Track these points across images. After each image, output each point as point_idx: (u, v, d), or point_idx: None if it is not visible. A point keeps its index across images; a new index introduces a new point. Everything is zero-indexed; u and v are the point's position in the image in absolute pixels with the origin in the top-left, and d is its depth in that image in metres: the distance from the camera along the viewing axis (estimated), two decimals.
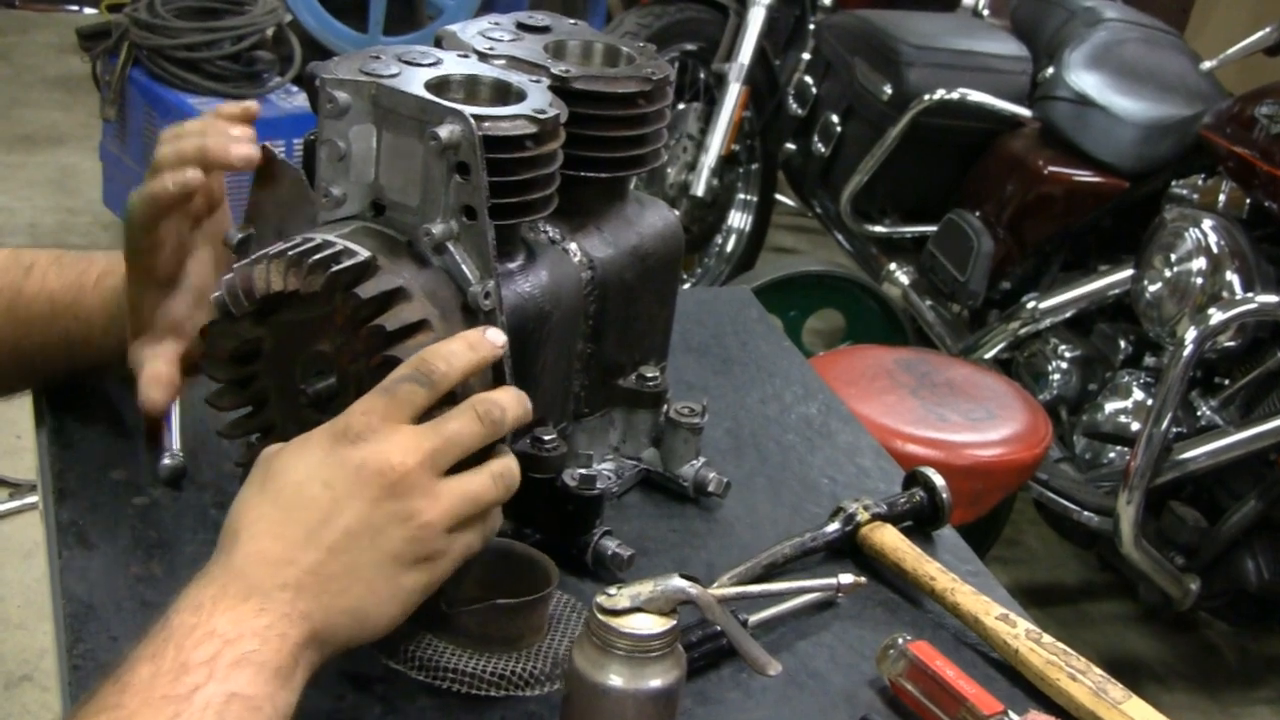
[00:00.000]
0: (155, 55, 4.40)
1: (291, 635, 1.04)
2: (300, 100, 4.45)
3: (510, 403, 1.14)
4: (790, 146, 4.60)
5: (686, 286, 4.58)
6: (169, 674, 1.00)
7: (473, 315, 1.19)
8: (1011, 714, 1.21)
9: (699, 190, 4.38)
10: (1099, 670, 1.30)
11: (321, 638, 1.07)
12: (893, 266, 4.16)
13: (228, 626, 1.02)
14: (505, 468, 1.14)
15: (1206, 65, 3.81)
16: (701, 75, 4.62)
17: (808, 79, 4.55)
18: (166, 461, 1.41)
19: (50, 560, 1.32)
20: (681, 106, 4.60)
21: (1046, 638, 1.33)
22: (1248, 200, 3.32)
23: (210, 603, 1.04)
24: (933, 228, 4.05)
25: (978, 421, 2.98)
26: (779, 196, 5.00)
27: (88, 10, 6.53)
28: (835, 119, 4.35)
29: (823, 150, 4.39)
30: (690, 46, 4.55)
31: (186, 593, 1.05)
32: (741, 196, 4.89)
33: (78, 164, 5.23)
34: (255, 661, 1.02)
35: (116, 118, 4.62)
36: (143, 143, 4.53)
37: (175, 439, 1.44)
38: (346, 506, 1.07)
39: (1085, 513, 3.36)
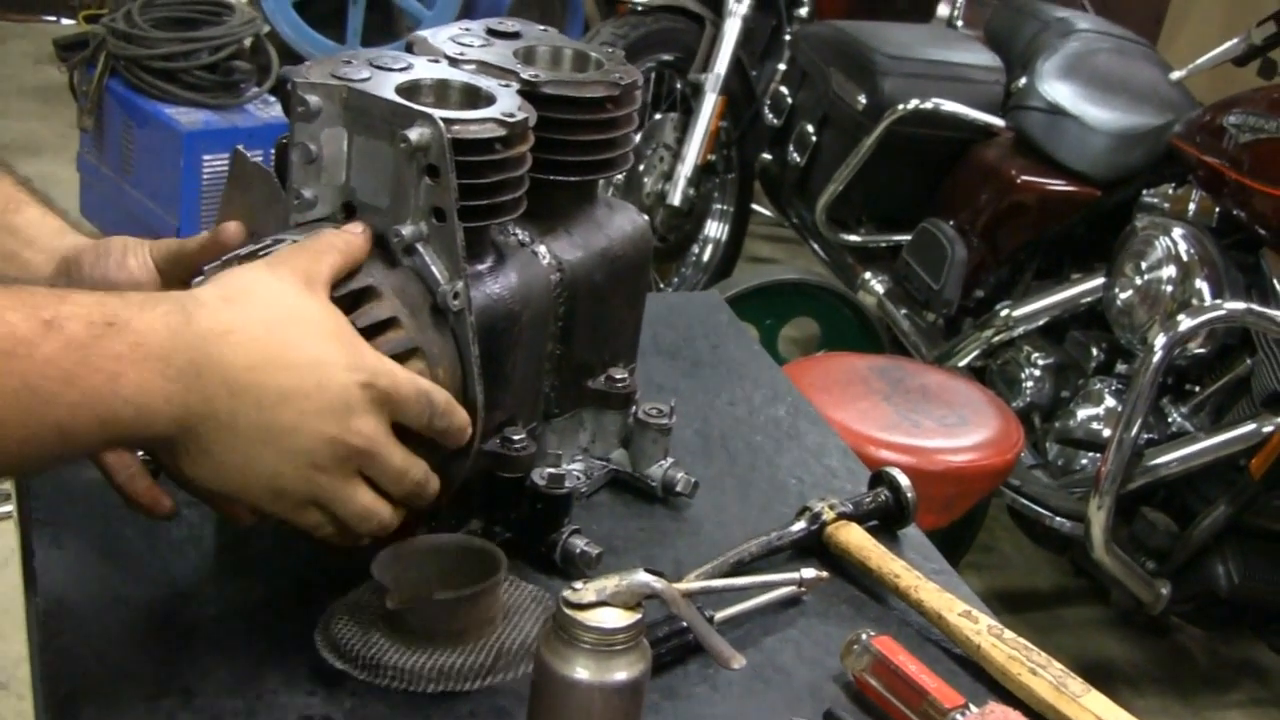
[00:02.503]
0: (133, 65, 4.41)
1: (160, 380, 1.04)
2: (277, 110, 4.46)
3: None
4: (766, 156, 4.63)
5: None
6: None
7: (442, 315, 1.21)
8: (972, 707, 1.23)
9: (675, 200, 4.41)
10: (1059, 665, 1.32)
11: (180, 420, 1.07)
12: (868, 275, 4.19)
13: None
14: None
15: (1176, 75, 3.85)
16: (678, 85, 4.65)
17: (784, 89, 4.58)
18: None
19: (23, 559, 1.33)
20: (658, 116, 4.63)
21: (1008, 633, 1.35)
22: (1217, 209, 3.36)
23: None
24: (907, 236, 4.08)
25: (950, 427, 3.01)
26: (755, 206, 5.03)
27: (65, 20, 6.53)
28: (811, 129, 4.37)
29: (798, 160, 4.42)
30: (667, 57, 4.58)
31: None
32: (718, 206, 4.92)
33: (55, 174, 5.23)
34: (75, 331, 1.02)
35: (94, 128, 4.63)
36: (120, 153, 4.54)
37: None
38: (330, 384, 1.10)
39: (1057, 518, 3.39)
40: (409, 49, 1.40)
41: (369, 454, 1.13)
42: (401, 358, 1.16)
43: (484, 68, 1.37)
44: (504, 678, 1.20)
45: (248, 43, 4.52)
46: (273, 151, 1.32)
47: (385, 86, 1.24)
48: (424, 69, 1.32)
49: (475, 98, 1.30)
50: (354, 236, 1.20)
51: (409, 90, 1.26)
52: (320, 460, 1.11)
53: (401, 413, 1.14)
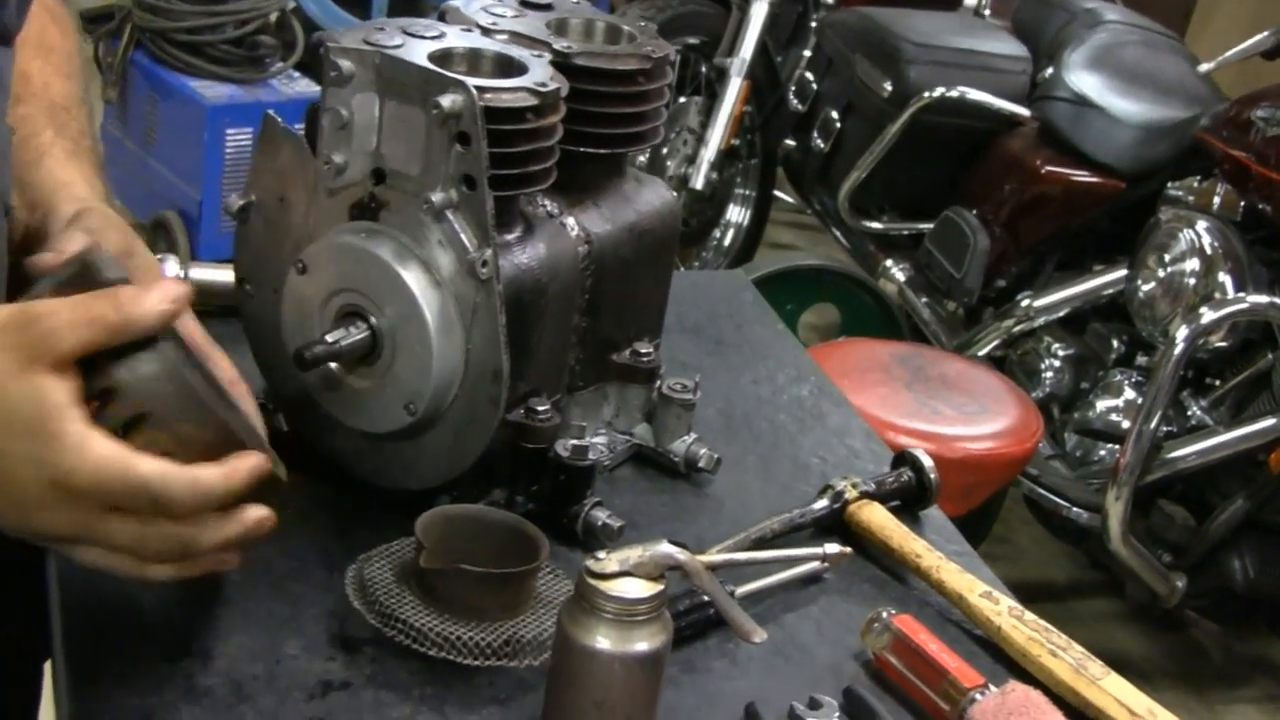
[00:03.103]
0: (158, 38, 4.42)
1: None
2: (302, 85, 4.47)
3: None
4: (790, 142, 4.63)
5: None
6: None
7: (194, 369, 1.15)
8: (992, 687, 1.23)
9: (698, 184, 4.40)
10: (1079, 647, 1.32)
11: None
12: (889, 263, 4.18)
13: None
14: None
15: (1204, 68, 3.84)
16: (703, 69, 4.64)
17: (808, 75, 4.57)
18: None
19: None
20: (682, 100, 4.62)
21: (1028, 615, 1.35)
22: (1242, 203, 3.35)
23: None
24: (930, 225, 4.07)
25: (970, 415, 3.00)
26: (777, 193, 5.02)
27: None
28: (835, 115, 4.37)
29: (822, 146, 4.41)
30: (692, 40, 4.57)
31: None
32: (740, 191, 4.91)
33: None
34: None
35: (118, 100, 4.63)
36: (144, 125, 4.55)
37: None
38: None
39: (1075, 509, 3.39)
40: (442, 18, 1.40)
41: (73, 539, 1.05)
42: (128, 427, 1.05)
43: (516, 38, 1.37)
44: (507, 663, 1.20)
45: (273, 17, 4.52)
46: (296, 128, 1.32)
47: (418, 53, 1.24)
48: (456, 38, 1.32)
49: (507, 67, 1.30)
50: (140, 308, 1.03)
51: (441, 58, 1.26)
52: (30, 531, 1.05)
53: (120, 503, 1.03)
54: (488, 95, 1.21)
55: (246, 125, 4.30)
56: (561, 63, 1.35)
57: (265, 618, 1.24)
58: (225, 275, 1.52)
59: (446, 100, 1.18)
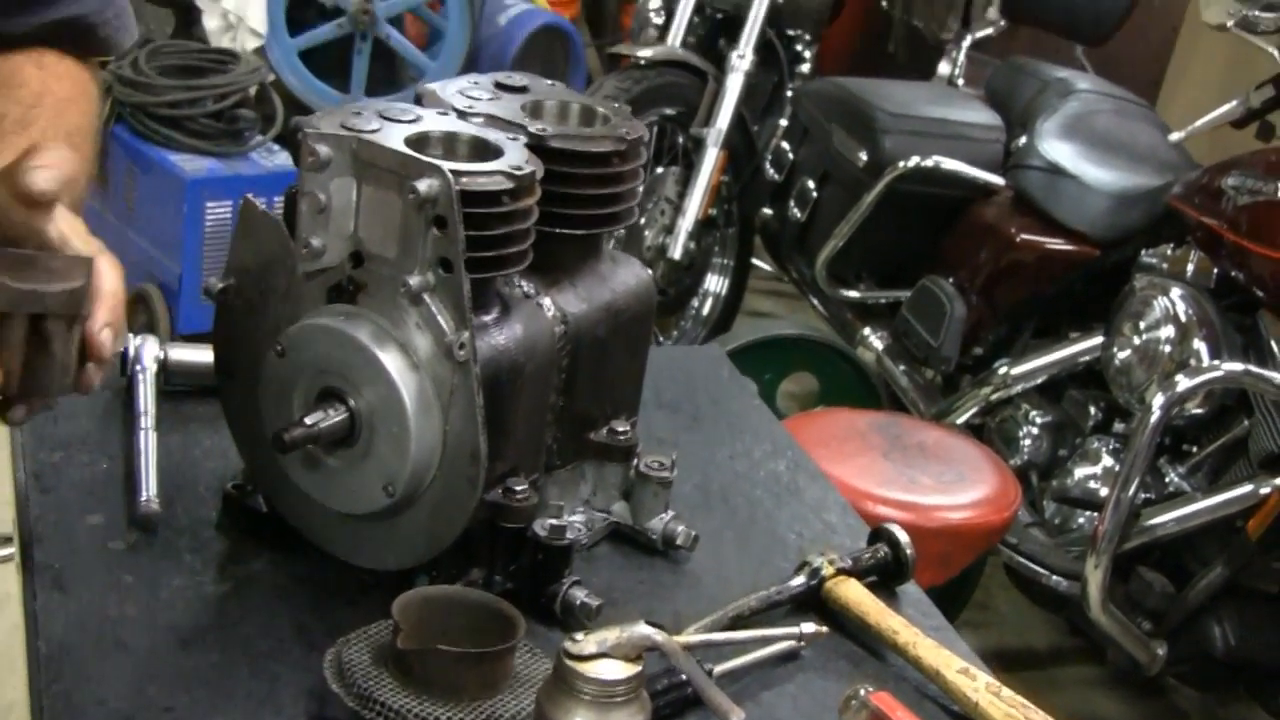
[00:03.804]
0: (138, 112, 4.43)
1: None
2: (282, 159, 4.48)
3: None
4: (767, 211, 4.64)
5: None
6: None
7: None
8: None
9: (676, 253, 4.41)
10: None
11: None
12: (867, 331, 4.19)
13: None
14: None
15: (1176, 136, 3.87)
16: (680, 140, 4.66)
17: (785, 145, 4.60)
18: (142, 507, 1.43)
19: (25, 603, 1.33)
20: (660, 170, 4.64)
21: (1006, 691, 1.36)
22: (1215, 270, 3.36)
23: None
24: (907, 293, 4.08)
25: (948, 484, 3.00)
26: (756, 261, 5.04)
27: None
28: (811, 184, 4.39)
29: (799, 215, 4.43)
30: (669, 111, 4.59)
31: None
32: (718, 260, 4.93)
33: None
34: None
35: (97, 173, 4.63)
36: (124, 198, 4.56)
37: (152, 484, 1.46)
38: None
39: (1054, 577, 3.38)
40: (418, 101, 1.41)
41: None
42: None
43: (492, 121, 1.39)
44: None
45: (253, 91, 4.54)
46: (276, 200, 1.33)
47: (394, 138, 1.25)
48: (433, 121, 1.33)
49: (483, 150, 1.32)
50: None
51: (418, 142, 1.27)
52: None
53: None
54: (464, 179, 1.22)
55: (226, 198, 4.31)
56: (537, 145, 1.36)
57: (244, 697, 1.24)
58: (204, 355, 1.53)
59: (423, 184, 1.19)
